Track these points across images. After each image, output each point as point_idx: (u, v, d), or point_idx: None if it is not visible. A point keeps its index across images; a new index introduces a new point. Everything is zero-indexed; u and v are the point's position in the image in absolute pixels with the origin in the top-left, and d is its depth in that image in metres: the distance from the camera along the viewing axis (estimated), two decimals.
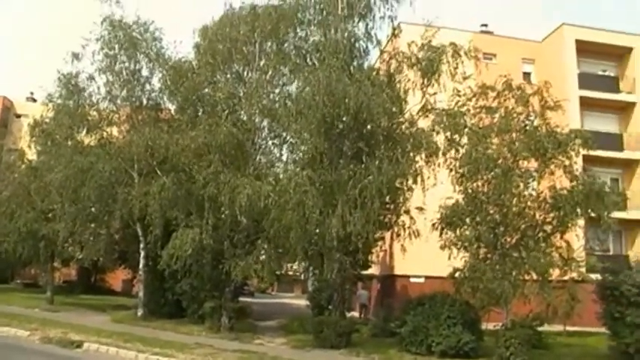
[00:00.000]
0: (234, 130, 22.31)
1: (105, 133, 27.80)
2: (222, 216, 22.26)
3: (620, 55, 38.25)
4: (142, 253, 26.92)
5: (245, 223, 22.77)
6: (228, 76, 25.65)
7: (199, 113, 25.37)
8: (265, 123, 24.72)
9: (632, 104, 37.11)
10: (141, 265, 27.29)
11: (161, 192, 22.84)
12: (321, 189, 20.21)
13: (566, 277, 21.80)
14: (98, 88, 27.33)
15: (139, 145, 24.91)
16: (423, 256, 23.84)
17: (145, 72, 27.60)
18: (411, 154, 20.56)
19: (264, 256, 23.51)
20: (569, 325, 25.59)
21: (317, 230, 20.46)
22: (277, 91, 24.80)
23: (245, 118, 24.12)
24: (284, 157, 24.83)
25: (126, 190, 25.57)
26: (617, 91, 37.39)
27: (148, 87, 27.80)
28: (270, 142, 25.18)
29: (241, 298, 31.62)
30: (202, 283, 24.95)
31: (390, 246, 27.64)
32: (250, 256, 22.65)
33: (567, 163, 18.89)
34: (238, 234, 23.36)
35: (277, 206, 19.84)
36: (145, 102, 27.85)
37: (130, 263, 34.94)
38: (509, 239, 19.17)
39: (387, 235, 25.77)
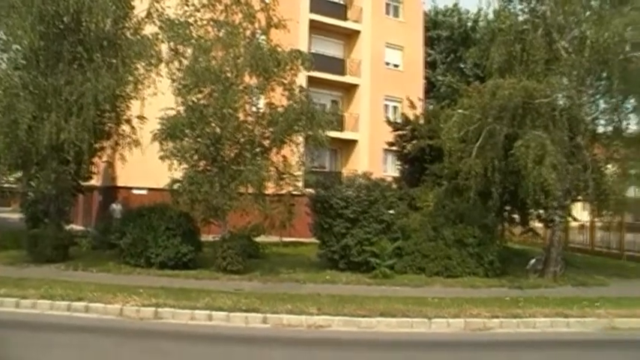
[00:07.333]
0: None
1: None
2: None
3: None
4: None
5: None
6: None
7: None
8: None
9: (357, 32, 39.66)
10: None
11: None
12: (35, 93, 18.91)
13: (283, 191, 23.22)
14: None
15: None
16: (146, 167, 23.49)
17: None
18: (133, 62, 19.89)
19: None
20: (285, 235, 27.45)
21: (30, 138, 19.19)
22: None
23: None
24: None
25: None
26: (345, 18, 39.53)
27: None
28: None
29: None
30: None
31: (112, 157, 26.77)
32: None
33: (287, 81, 19.70)
34: None
35: None
36: None
37: None
38: (228, 152, 19.66)
39: (109, 145, 24.99)
